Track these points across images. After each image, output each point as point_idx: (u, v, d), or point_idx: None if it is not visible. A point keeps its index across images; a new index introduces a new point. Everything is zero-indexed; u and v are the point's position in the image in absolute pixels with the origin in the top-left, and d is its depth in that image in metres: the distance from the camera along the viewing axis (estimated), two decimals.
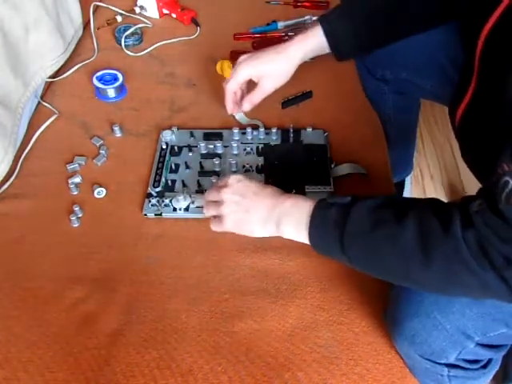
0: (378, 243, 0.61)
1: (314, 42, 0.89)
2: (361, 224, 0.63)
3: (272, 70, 0.91)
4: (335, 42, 0.88)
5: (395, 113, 1.12)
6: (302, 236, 0.69)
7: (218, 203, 0.76)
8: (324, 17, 0.89)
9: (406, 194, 1.39)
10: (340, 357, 0.71)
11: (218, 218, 0.77)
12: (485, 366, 0.73)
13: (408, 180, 1.39)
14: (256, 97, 0.93)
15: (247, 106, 0.94)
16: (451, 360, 0.68)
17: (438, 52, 0.94)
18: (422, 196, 1.49)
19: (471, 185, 1.48)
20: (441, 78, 0.94)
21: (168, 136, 0.97)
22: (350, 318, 0.74)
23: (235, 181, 0.76)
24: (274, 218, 0.71)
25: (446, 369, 0.70)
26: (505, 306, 0.63)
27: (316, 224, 0.67)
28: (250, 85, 0.94)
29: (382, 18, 0.87)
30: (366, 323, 0.74)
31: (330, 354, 0.71)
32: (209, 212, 0.79)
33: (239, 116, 1.02)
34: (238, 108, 0.96)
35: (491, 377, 0.77)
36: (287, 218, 0.70)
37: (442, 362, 0.69)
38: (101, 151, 0.96)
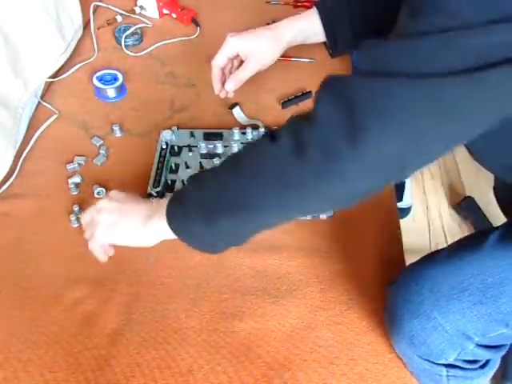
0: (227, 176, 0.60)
1: (305, 21, 0.88)
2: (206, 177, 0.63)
3: (260, 45, 0.89)
4: (328, 22, 0.87)
5: None
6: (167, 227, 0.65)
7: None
8: (321, 1, 0.89)
9: (407, 194, 1.39)
10: (340, 357, 0.71)
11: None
12: (483, 366, 0.73)
13: (408, 181, 1.39)
14: (242, 74, 0.90)
15: (232, 85, 0.91)
16: (450, 360, 0.68)
17: None
18: (422, 195, 1.49)
19: (471, 185, 1.48)
20: None
21: (168, 136, 0.96)
22: (350, 318, 0.75)
23: (114, 193, 0.74)
24: (152, 217, 0.67)
25: (444, 369, 0.70)
26: (504, 306, 0.63)
27: (172, 205, 0.65)
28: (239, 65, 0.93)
29: (379, 6, 0.86)
30: (366, 323, 0.74)
31: (330, 354, 0.71)
32: (86, 234, 0.73)
33: (239, 116, 1.02)
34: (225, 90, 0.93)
35: (490, 376, 0.77)
36: (154, 218, 0.67)
37: (441, 362, 0.69)
38: (101, 151, 0.96)
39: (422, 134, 0.49)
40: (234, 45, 0.89)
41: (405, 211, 1.41)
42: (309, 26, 0.88)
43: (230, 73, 0.94)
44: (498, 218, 1.04)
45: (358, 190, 0.55)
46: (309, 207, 0.60)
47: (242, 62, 0.92)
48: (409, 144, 0.50)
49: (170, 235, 0.65)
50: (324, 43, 0.93)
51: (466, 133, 0.52)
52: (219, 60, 0.91)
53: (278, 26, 0.90)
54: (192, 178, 0.66)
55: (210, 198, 0.61)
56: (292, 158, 0.53)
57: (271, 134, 0.56)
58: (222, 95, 0.96)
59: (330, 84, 0.53)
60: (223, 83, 0.93)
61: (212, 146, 0.95)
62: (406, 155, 0.51)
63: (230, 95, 0.96)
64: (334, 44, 0.89)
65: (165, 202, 0.66)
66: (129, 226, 0.69)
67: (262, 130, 0.97)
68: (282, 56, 0.99)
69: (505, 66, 0.44)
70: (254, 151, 0.60)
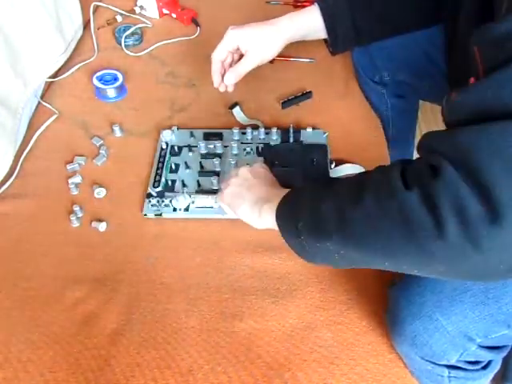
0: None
1: (306, 16, 0.87)
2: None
3: (260, 38, 0.88)
4: (329, 18, 0.86)
5: (394, 115, 1.12)
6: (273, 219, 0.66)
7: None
8: None
9: None
10: (340, 357, 0.71)
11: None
12: (485, 367, 0.73)
13: None
14: (241, 67, 0.89)
15: (231, 77, 0.90)
16: (452, 361, 0.68)
17: (435, 54, 0.94)
18: None
19: None
20: (439, 80, 0.94)
21: (168, 136, 0.96)
22: (350, 318, 0.75)
23: (257, 165, 0.80)
24: (260, 204, 0.71)
25: (446, 370, 0.70)
26: (506, 307, 0.63)
27: (284, 206, 0.66)
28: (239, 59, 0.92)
29: (380, 4, 0.86)
30: (366, 323, 0.74)
31: (330, 354, 0.71)
32: (221, 186, 0.81)
33: (239, 116, 1.02)
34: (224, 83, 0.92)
35: (491, 377, 0.77)
36: (267, 205, 0.69)
37: (443, 363, 0.69)
38: (101, 151, 0.96)
39: None
40: (234, 37, 0.89)
41: None
42: (310, 22, 0.88)
43: (230, 66, 0.93)
44: None
45: (494, 266, 0.47)
46: (429, 270, 0.53)
47: (241, 56, 0.92)
48: None
49: (272, 224, 0.67)
50: (324, 40, 0.93)
51: None
52: (219, 53, 0.90)
53: (278, 20, 0.89)
54: (311, 187, 0.62)
55: (323, 219, 0.56)
56: (427, 231, 0.46)
57: (403, 176, 0.50)
58: (222, 89, 0.95)
59: (448, 145, 0.47)
60: (223, 77, 0.92)
61: (212, 146, 0.95)
62: None
63: (230, 89, 0.94)
64: (334, 41, 0.89)
65: (282, 193, 0.68)
66: (242, 204, 0.73)
67: (261, 129, 0.97)
68: (281, 56, 0.99)
69: None
70: (383, 188, 0.52)
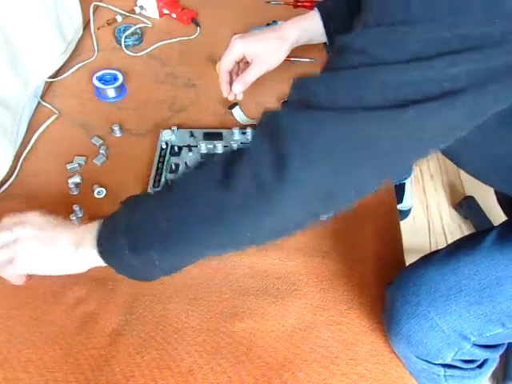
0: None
1: (309, 22, 0.89)
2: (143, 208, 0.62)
3: (266, 47, 0.89)
4: (329, 23, 0.87)
5: None
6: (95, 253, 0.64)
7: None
8: (321, 2, 0.89)
9: (407, 196, 1.39)
10: (340, 357, 0.71)
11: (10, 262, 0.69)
12: (481, 366, 0.73)
13: (408, 183, 1.39)
14: (248, 76, 0.90)
15: (239, 87, 0.91)
16: (447, 360, 0.68)
17: None
18: (422, 195, 1.49)
19: (471, 185, 1.48)
20: None
21: (168, 136, 0.96)
22: (350, 318, 0.75)
23: (31, 217, 0.71)
24: (81, 245, 0.66)
25: (442, 369, 0.70)
26: (500, 306, 0.63)
27: (102, 233, 0.64)
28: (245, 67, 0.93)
29: None
30: (365, 323, 0.74)
31: (330, 354, 0.71)
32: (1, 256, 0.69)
33: (239, 116, 1.02)
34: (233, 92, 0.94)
35: (488, 375, 0.77)
36: (87, 243, 0.65)
37: (438, 362, 0.69)
38: (101, 151, 0.96)
39: (342, 170, 0.50)
40: (240, 47, 0.90)
41: (405, 213, 1.41)
42: (312, 27, 0.89)
43: (237, 75, 0.94)
44: (498, 217, 1.04)
45: (286, 221, 0.55)
46: (240, 240, 0.58)
47: (246, 63, 0.93)
48: (330, 179, 0.50)
49: (103, 263, 0.64)
50: (324, 44, 0.93)
51: (390, 169, 0.52)
52: (226, 64, 0.91)
53: (282, 27, 0.90)
54: (125, 204, 0.64)
55: (139, 230, 0.60)
56: (220, 188, 0.53)
57: (205, 162, 0.58)
58: (231, 97, 0.97)
59: (262, 118, 0.55)
60: (231, 85, 0.93)
61: (212, 146, 0.95)
62: (329, 189, 0.51)
63: (239, 97, 0.96)
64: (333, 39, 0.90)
65: (94, 227, 0.65)
66: (56, 254, 0.67)
67: None
68: None
69: (420, 104, 0.45)
70: (187, 180, 0.60)
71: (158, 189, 0.65)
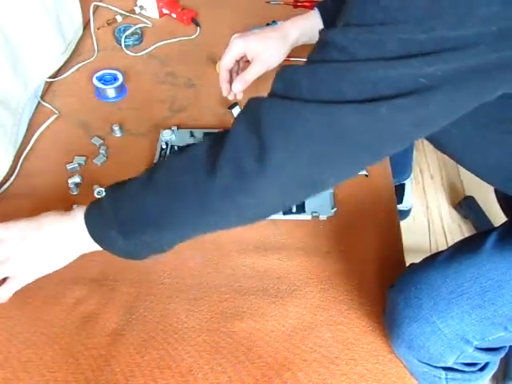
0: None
1: (309, 21, 0.89)
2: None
3: (266, 45, 0.89)
4: (328, 22, 0.87)
5: None
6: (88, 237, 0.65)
7: None
8: (321, 2, 0.89)
9: (407, 196, 1.39)
10: (340, 357, 0.71)
11: None
12: (482, 369, 0.73)
13: (408, 183, 1.39)
14: (248, 75, 0.90)
15: (239, 86, 0.90)
16: (449, 364, 0.68)
17: None
18: (422, 195, 1.49)
19: (471, 185, 1.48)
20: None
21: (168, 136, 0.96)
22: (350, 318, 0.75)
23: (11, 224, 0.69)
24: (59, 244, 0.67)
25: (443, 372, 0.70)
26: (502, 309, 0.63)
27: (91, 215, 0.66)
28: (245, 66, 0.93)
29: None
30: (365, 323, 0.74)
31: (330, 354, 0.71)
32: None
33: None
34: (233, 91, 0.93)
35: (489, 378, 0.77)
36: (76, 235, 0.66)
37: (440, 365, 0.69)
38: (101, 151, 0.96)
39: (321, 159, 0.52)
40: (240, 46, 0.89)
41: (405, 213, 1.40)
42: (313, 27, 0.88)
43: (237, 74, 0.94)
44: (498, 217, 1.04)
45: (268, 206, 0.58)
46: (227, 223, 0.61)
47: (247, 61, 0.92)
48: (310, 167, 0.52)
49: (93, 246, 0.66)
50: None
51: (369, 159, 0.54)
52: (227, 62, 0.91)
53: (283, 27, 0.90)
54: (109, 194, 0.66)
55: (127, 215, 0.62)
56: (204, 172, 0.55)
57: (189, 149, 0.59)
58: (231, 97, 0.96)
59: (247, 105, 0.56)
60: (231, 84, 0.93)
61: None
62: (309, 177, 0.53)
63: (239, 96, 0.95)
64: None
65: (79, 214, 0.66)
66: (50, 253, 0.68)
67: None
68: None
69: (395, 99, 0.47)
70: (172, 166, 0.61)
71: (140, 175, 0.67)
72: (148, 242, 0.63)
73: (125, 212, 0.62)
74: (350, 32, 0.49)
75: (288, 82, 0.53)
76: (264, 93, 0.56)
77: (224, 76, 0.92)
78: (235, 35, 0.91)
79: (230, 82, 0.93)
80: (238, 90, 0.92)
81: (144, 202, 0.61)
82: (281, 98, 0.52)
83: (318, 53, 0.53)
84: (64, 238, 0.68)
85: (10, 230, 0.68)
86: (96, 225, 0.65)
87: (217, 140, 0.57)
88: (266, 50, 0.89)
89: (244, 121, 0.55)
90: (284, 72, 0.54)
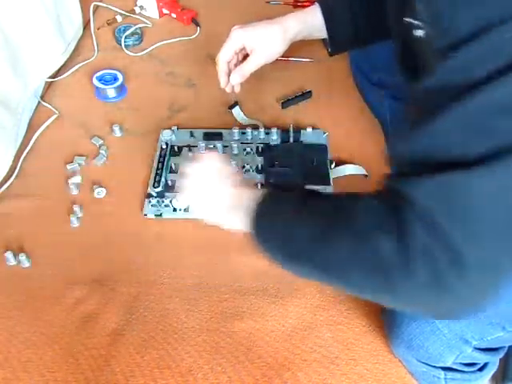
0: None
1: (310, 16, 0.87)
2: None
3: (266, 37, 0.88)
4: (330, 18, 0.86)
5: (392, 116, 1.12)
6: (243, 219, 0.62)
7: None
8: None
9: None
10: (340, 357, 0.71)
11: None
12: (481, 369, 0.73)
13: None
14: (247, 67, 0.89)
15: (237, 77, 0.89)
16: (448, 364, 0.68)
17: None
18: None
19: None
20: None
21: (168, 135, 0.96)
22: (350, 318, 0.75)
23: (211, 158, 0.71)
24: (230, 208, 0.66)
25: (442, 372, 0.70)
26: (501, 310, 0.63)
27: (258, 215, 0.61)
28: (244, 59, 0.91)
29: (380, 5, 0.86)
30: (365, 323, 0.74)
31: (330, 354, 0.71)
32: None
33: (239, 116, 1.02)
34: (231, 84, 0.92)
35: (488, 378, 0.77)
36: (238, 211, 0.64)
37: (439, 365, 0.69)
38: (101, 151, 0.96)
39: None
40: (239, 37, 0.88)
41: None
42: (313, 21, 0.88)
43: (235, 67, 0.93)
44: None
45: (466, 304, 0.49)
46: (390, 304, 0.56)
47: (245, 56, 0.92)
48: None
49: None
50: (323, 41, 0.93)
51: None
52: (225, 53, 0.89)
53: (283, 19, 0.89)
54: (286, 200, 0.59)
55: (296, 246, 0.56)
56: (394, 251, 0.47)
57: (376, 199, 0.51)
58: (228, 89, 0.94)
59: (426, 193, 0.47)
60: (229, 77, 0.91)
61: (212, 146, 0.95)
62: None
63: (237, 89, 0.94)
64: (333, 41, 0.89)
65: (252, 196, 0.62)
66: (215, 205, 0.68)
67: (261, 129, 0.97)
68: (281, 56, 0.99)
69: None
70: (356, 227, 0.51)
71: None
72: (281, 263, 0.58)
73: (275, 229, 0.58)
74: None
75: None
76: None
77: (222, 67, 0.91)
78: (235, 27, 0.91)
79: (229, 74, 0.91)
80: (235, 81, 0.90)
81: (298, 228, 0.55)
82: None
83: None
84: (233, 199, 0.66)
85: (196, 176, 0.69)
86: (261, 221, 0.60)
87: (401, 235, 0.47)
88: (266, 42, 0.88)
89: (420, 223, 0.46)
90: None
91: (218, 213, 0.68)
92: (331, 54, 0.93)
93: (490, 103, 0.42)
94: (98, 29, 1.24)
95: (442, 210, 0.45)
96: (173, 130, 0.97)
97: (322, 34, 0.89)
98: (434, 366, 0.69)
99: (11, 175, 0.93)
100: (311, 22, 0.88)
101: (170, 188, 0.89)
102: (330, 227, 0.52)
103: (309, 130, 0.97)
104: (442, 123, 0.44)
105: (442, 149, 0.45)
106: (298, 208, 0.57)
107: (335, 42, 0.89)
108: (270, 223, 0.60)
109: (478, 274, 0.45)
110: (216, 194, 0.67)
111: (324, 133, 0.97)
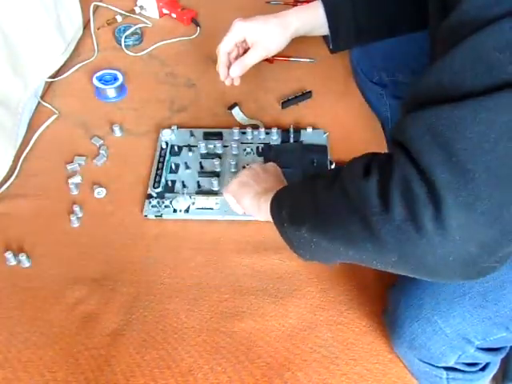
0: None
1: (312, 12, 0.87)
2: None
3: (267, 30, 0.88)
4: (332, 14, 0.86)
5: (393, 116, 1.12)
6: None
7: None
8: None
9: None
10: (340, 357, 0.71)
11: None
12: (483, 369, 0.73)
13: None
14: (248, 59, 0.88)
15: (237, 69, 0.89)
16: (450, 364, 0.68)
17: None
18: None
19: None
20: None
21: (168, 135, 0.96)
22: (350, 318, 0.75)
23: (270, 164, 0.82)
24: (260, 196, 0.73)
25: (444, 372, 0.70)
26: (504, 310, 0.63)
27: (275, 196, 0.67)
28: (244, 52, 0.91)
29: (383, 3, 0.85)
30: (365, 323, 0.74)
31: (330, 354, 0.71)
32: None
33: (239, 116, 1.02)
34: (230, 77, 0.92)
35: (490, 378, 0.77)
36: (265, 198, 0.71)
37: (441, 365, 0.69)
38: (101, 151, 0.96)
39: None
40: (241, 29, 0.88)
41: None
42: (315, 17, 0.87)
43: (235, 60, 0.92)
44: None
45: (445, 260, 0.46)
46: (384, 260, 0.52)
47: (246, 50, 0.91)
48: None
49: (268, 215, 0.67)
50: (324, 38, 0.92)
51: None
52: (226, 44, 0.89)
53: (285, 14, 0.89)
54: (300, 181, 0.68)
55: (300, 207, 0.61)
56: (378, 208, 0.47)
57: (368, 166, 0.53)
58: (228, 82, 0.94)
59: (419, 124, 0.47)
60: (229, 70, 0.91)
61: (212, 146, 0.95)
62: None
63: (236, 82, 0.93)
64: (335, 38, 0.89)
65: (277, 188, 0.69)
66: (251, 193, 0.75)
67: (261, 129, 0.97)
68: (281, 56, 0.99)
69: None
70: (346, 176, 0.55)
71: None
72: (305, 238, 0.59)
73: (302, 197, 0.61)
74: None
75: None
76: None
77: (222, 59, 0.90)
78: (237, 19, 0.90)
79: (229, 67, 0.91)
80: (235, 74, 0.90)
81: (317, 198, 0.57)
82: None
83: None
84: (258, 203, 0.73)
85: (248, 170, 0.80)
86: (277, 199, 0.67)
87: (382, 173, 0.49)
88: (267, 35, 0.88)
89: (403, 154, 0.47)
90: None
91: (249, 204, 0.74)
92: (332, 52, 0.93)
93: (502, 38, 0.42)
94: (98, 29, 1.24)
95: (435, 143, 0.44)
96: (173, 130, 0.97)
97: (324, 30, 0.89)
98: (436, 366, 0.69)
99: (11, 175, 0.93)
100: (313, 18, 0.88)
101: (170, 189, 0.89)
102: (332, 183, 0.57)
103: (309, 130, 0.97)
104: (457, 56, 0.45)
105: (454, 82, 0.45)
106: (308, 180, 0.63)
107: (337, 39, 0.89)
108: (282, 196, 0.66)
109: (455, 220, 0.43)
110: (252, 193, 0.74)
111: (324, 133, 0.97)
